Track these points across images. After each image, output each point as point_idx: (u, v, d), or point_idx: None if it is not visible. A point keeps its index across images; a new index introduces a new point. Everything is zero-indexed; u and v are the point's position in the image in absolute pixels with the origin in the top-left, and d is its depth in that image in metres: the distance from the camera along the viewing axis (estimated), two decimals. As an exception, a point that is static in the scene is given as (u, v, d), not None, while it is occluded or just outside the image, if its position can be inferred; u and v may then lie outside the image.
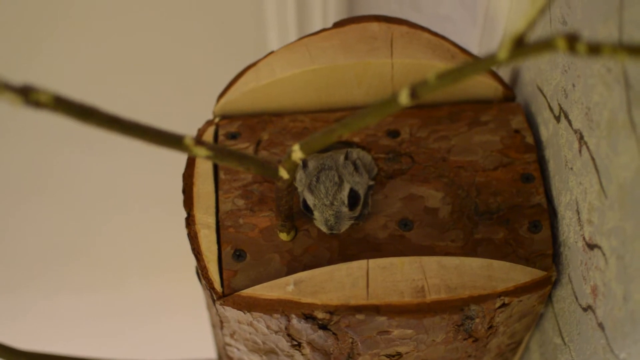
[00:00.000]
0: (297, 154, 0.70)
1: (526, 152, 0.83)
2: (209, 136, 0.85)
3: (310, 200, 0.78)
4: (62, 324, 1.72)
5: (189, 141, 0.67)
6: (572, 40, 0.57)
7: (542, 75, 0.83)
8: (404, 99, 0.63)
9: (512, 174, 0.82)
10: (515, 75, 0.91)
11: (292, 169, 0.71)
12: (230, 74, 0.89)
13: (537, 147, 0.84)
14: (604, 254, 0.70)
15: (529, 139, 0.84)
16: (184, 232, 0.88)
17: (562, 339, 0.81)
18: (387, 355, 0.81)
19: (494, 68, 0.92)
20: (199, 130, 0.86)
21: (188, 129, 0.88)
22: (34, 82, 0.61)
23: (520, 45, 0.59)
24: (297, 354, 0.81)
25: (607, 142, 0.68)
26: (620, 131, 0.66)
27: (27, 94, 0.59)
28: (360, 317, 0.75)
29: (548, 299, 0.84)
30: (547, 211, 0.81)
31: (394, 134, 0.84)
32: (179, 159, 0.93)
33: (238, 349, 0.85)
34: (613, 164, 0.67)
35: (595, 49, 0.56)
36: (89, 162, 1.42)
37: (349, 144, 0.84)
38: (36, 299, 1.66)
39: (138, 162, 1.40)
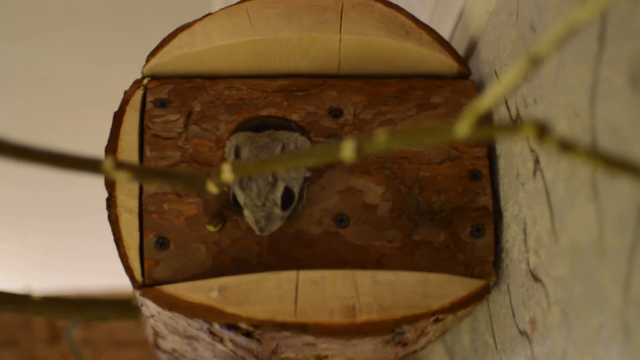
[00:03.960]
0: (227, 175, 0.64)
1: (476, 146, 0.78)
2: (136, 102, 0.78)
3: (241, 198, 0.72)
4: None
5: (108, 165, 0.60)
6: (542, 132, 0.51)
7: (501, 65, 0.77)
8: (347, 153, 0.56)
9: (459, 169, 0.77)
10: (472, 48, 0.84)
11: (221, 184, 0.65)
12: (165, 27, 0.81)
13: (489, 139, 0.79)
14: (547, 296, 0.66)
15: (481, 131, 0.78)
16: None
17: (495, 342, 0.79)
18: (313, 356, 0.78)
19: (448, 38, 0.85)
20: (126, 93, 0.78)
21: (118, 86, 0.81)
22: None
23: (484, 123, 0.53)
24: (218, 344, 0.77)
25: (566, 188, 0.63)
26: (581, 187, 0.61)
27: None
28: (286, 334, 0.71)
29: (484, 297, 0.81)
30: (493, 215, 0.76)
31: (336, 112, 0.78)
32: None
33: (158, 326, 0.81)
34: (569, 215, 0.63)
35: (567, 148, 0.50)
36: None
37: (287, 121, 0.78)
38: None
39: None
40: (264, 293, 0.71)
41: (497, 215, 0.77)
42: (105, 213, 0.76)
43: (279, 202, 0.72)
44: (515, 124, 0.52)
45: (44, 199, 1.63)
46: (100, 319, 0.98)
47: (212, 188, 0.66)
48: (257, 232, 0.72)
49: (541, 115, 0.68)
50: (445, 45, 0.80)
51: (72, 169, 0.59)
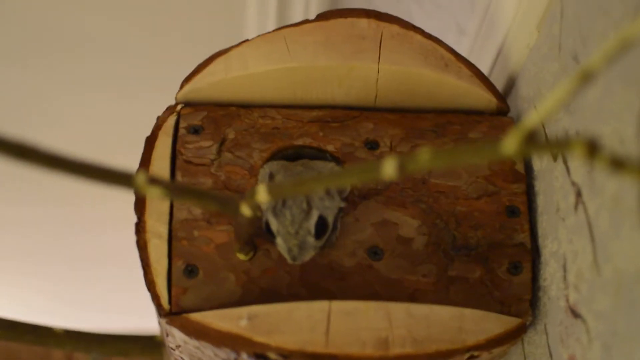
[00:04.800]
0: (262, 196, 0.62)
1: (515, 182, 0.76)
2: (169, 127, 0.76)
3: (274, 225, 0.71)
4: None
5: (140, 180, 0.59)
6: (592, 148, 0.49)
7: (541, 100, 0.75)
8: (389, 171, 0.55)
9: (497, 205, 0.75)
10: (511, 84, 0.83)
11: (255, 207, 0.64)
12: (200, 55, 0.80)
13: (528, 174, 0.77)
14: (588, 331, 0.64)
15: (519, 167, 0.76)
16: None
17: (530, 385, 0.76)
18: None
19: (487, 75, 0.84)
20: (159, 118, 0.77)
21: (152, 110, 0.80)
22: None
23: (532, 141, 0.51)
24: (245, 377, 0.75)
25: (610, 218, 0.61)
26: (626, 216, 0.59)
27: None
28: (316, 365, 0.69)
29: (519, 339, 0.78)
30: (530, 252, 0.74)
31: (372, 144, 0.77)
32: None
33: (183, 359, 0.79)
34: (613, 245, 0.61)
35: (618, 165, 0.49)
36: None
37: (322, 152, 0.76)
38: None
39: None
40: (295, 323, 0.69)
41: (534, 252, 0.75)
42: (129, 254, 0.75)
43: (312, 230, 0.71)
44: (564, 141, 0.50)
45: (66, 243, 1.62)
46: (122, 354, 0.96)
47: (245, 211, 0.65)
48: (290, 261, 0.71)
49: (584, 146, 0.66)
50: (484, 80, 0.78)
51: (104, 181, 0.58)
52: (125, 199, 1.50)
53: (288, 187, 0.61)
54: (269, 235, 0.72)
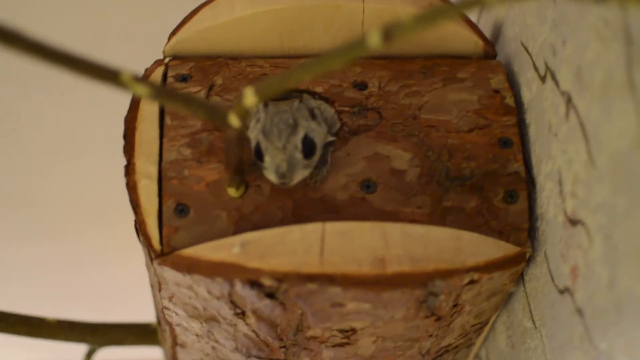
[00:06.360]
0: (249, 98, 0.62)
1: (505, 115, 0.76)
2: (156, 77, 0.76)
3: (263, 144, 0.70)
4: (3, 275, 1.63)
5: (126, 77, 0.58)
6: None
7: (527, 30, 0.75)
8: (374, 41, 0.54)
9: (489, 137, 0.75)
10: (497, 31, 0.83)
11: (244, 116, 0.63)
12: (187, 10, 0.80)
13: (518, 109, 0.77)
14: (588, 232, 0.63)
15: (509, 100, 0.76)
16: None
17: (533, 322, 0.74)
18: (340, 330, 0.73)
19: (474, 20, 0.84)
20: (146, 70, 0.77)
21: (139, 69, 0.80)
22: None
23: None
24: (240, 323, 0.73)
25: (600, 106, 0.61)
26: (616, 93, 0.58)
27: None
28: (311, 286, 0.67)
29: (520, 277, 0.77)
30: (525, 180, 0.73)
31: (361, 85, 0.76)
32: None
33: (177, 314, 0.77)
34: (605, 130, 0.60)
35: (600, -7, 0.48)
36: (33, 107, 1.32)
37: (311, 94, 0.76)
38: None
39: (86, 109, 1.31)
40: (289, 245, 0.68)
41: (530, 183, 0.74)
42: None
43: (299, 145, 0.70)
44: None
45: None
46: (116, 343, 0.94)
47: (234, 121, 0.64)
48: (277, 181, 0.69)
49: (573, 49, 0.66)
50: (469, 22, 0.79)
51: (88, 75, 0.57)
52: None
53: (275, 82, 0.60)
54: (259, 160, 0.71)
